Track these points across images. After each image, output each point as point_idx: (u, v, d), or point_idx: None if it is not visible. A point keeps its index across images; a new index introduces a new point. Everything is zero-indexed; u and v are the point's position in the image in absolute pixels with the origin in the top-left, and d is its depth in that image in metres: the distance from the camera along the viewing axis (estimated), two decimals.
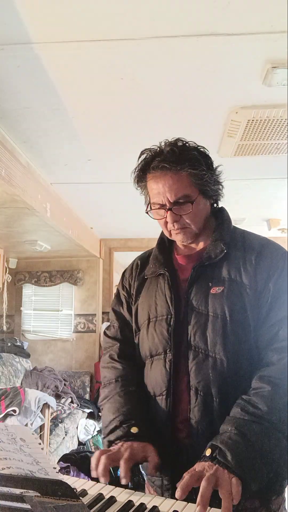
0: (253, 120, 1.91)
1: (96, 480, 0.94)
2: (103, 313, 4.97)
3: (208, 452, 0.89)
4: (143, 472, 1.14)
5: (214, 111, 1.91)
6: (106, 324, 4.80)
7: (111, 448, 0.99)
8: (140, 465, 1.06)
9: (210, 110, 1.90)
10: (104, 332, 1.29)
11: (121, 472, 0.91)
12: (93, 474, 0.93)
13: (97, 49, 1.45)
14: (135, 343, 1.19)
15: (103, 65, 1.55)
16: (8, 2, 1.24)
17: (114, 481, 0.93)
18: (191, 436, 1.02)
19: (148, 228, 4.46)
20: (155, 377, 1.09)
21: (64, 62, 1.53)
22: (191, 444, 1.01)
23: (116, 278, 5.22)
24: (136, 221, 4.15)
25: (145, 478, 1.19)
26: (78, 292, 4.92)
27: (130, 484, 0.92)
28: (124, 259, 5.49)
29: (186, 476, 0.85)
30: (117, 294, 1.29)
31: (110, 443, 1.02)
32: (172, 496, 0.83)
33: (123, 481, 0.89)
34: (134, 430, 1.00)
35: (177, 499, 0.83)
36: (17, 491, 0.71)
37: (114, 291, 5.14)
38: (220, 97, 1.78)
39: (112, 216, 3.98)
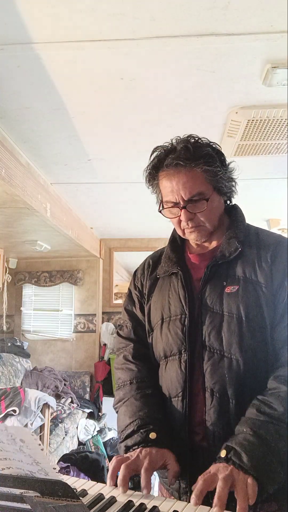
0: (253, 120, 1.91)
1: (96, 481, 0.94)
2: (103, 313, 4.97)
3: (223, 453, 0.88)
4: (156, 475, 1.12)
5: (214, 111, 1.91)
6: (106, 324, 4.81)
7: (128, 454, 0.96)
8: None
9: (210, 110, 1.90)
10: (117, 333, 1.27)
11: (142, 482, 0.89)
12: (109, 483, 0.90)
13: (97, 49, 1.45)
14: (149, 343, 1.16)
15: (103, 65, 1.55)
16: (8, 2, 1.24)
17: None
18: (207, 438, 1.00)
19: (148, 228, 4.46)
20: (170, 378, 1.07)
21: (64, 62, 1.53)
22: (207, 446, 0.99)
23: (116, 278, 5.23)
24: (136, 221, 4.15)
25: (160, 481, 1.17)
26: (78, 292, 4.92)
27: (130, 484, 0.91)
28: (124, 259, 5.50)
29: (200, 481, 0.84)
30: (129, 294, 1.26)
31: (128, 449, 0.99)
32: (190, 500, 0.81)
33: (145, 492, 0.86)
34: (152, 436, 0.97)
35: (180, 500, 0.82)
36: (17, 491, 0.71)
37: (114, 291, 5.16)
38: (220, 97, 1.78)
39: (112, 216, 3.98)
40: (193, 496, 0.81)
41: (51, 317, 4.98)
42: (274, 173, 2.70)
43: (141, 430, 0.99)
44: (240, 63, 1.53)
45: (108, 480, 0.91)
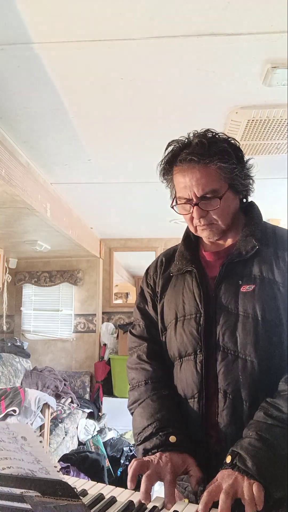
0: (253, 120, 1.91)
1: (96, 481, 0.93)
2: (103, 313, 4.97)
3: (228, 459, 0.87)
4: None
5: (214, 111, 1.91)
6: (106, 324, 4.80)
7: (148, 458, 0.93)
8: None
9: (210, 110, 1.90)
10: (130, 331, 1.23)
11: (166, 496, 0.85)
12: (130, 485, 0.88)
13: (97, 49, 1.45)
14: (162, 342, 1.13)
15: (103, 65, 1.55)
16: (8, 2, 1.24)
17: (114, 481, 0.92)
18: (219, 441, 0.98)
19: (148, 228, 4.46)
20: (186, 379, 1.04)
21: (64, 62, 1.53)
22: (220, 450, 0.97)
23: (116, 278, 5.23)
24: (136, 221, 4.15)
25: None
26: (78, 292, 4.91)
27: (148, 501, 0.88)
28: (124, 259, 5.49)
29: (205, 493, 0.82)
30: (141, 292, 1.23)
31: (147, 452, 0.96)
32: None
33: (169, 507, 0.83)
34: (172, 439, 0.94)
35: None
36: (18, 491, 0.71)
37: (114, 291, 5.16)
38: (220, 97, 1.78)
39: (112, 216, 3.98)
40: (199, 509, 0.80)
41: (51, 317, 4.98)
42: (274, 173, 2.70)
43: (160, 433, 0.96)
44: (240, 63, 1.53)
45: (128, 483, 0.88)
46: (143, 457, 0.94)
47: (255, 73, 1.60)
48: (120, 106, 1.86)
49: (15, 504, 0.72)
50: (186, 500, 0.87)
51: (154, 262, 1.25)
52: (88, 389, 4.59)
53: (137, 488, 0.88)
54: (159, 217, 3.78)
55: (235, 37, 1.39)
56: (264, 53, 1.47)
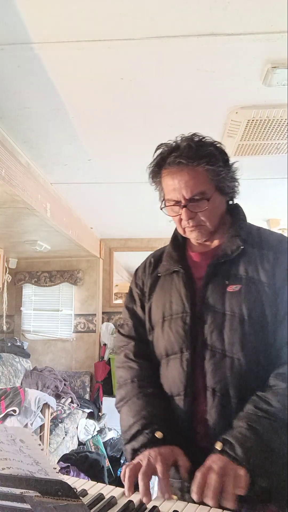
0: (253, 120, 1.91)
1: (96, 481, 0.93)
2: (103, 313, 4.97)
3: (218, 445, 0.89)
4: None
5: (214, 111, 1.90)
6: (106, 324, 4.80)
7: (138, 460, 0.93)
8: None
9: (210, 110, 1.90)
10: (118, 331, 1.26)
11: (163, 487, 0.86)
12: (128, 494, 0.87)
13: (97, 49, 1.45)
14: (149, 342, 1.16)
15: (103, 65, 1.55)
16: (8, 2, 1.24)
17: (114, 481, 0.92)
18: (209, 437, 0.99)
19: (148, 228, 4.46)
20: (172, 376, 1.06)
21: (64, 62, 1.53)
22: (208, 446, 0.98)
23: (116, 278, 5.23)
24: (136, 221, 4.15)
25: None
26: (78, 292, 4.91)
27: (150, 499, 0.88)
28: (124, 259, 5.50)
29: (197, 475, 0.84)
30: (130, 292, 1.26)
31: (135, 451, 0.97)
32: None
33: (166, 496, 0.85)
34: (158, 435, 0.96)
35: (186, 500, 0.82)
36: (17, 491, 0.71)
37: (114, 291, 5.16)
38: (220, 97, 1.78)
39: (112, 216, 3.98)
40: (194, 491, 0.81)
41: (51, 317, 4.98)
42: (274, 173, 2.70)
43: (146, 431, 0.98)
44: (240, 63, 1.53)
45: (126, 492, 0.87)
46: (132, 461, 0.94)
47: (255, 73, 1.60)
48: (120, 106, 1.86)
49: (15, 504, 0.72)
50: (175, 497, 0.88)
51: (143, 263, 1.28)
52: (88, 389, 4.59)
53: (138, 488, 0.88)
54: (159, 217, 3.77)
55: (235, 37, 1.39)
56: (264, 53, 1.47)
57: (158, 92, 1.75)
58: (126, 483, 0.88)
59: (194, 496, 0.81)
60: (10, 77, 1.62)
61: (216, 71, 1.59)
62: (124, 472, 0.90)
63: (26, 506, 0.71)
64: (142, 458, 0.93)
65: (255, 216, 3.79)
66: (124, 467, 0.92)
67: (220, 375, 1.00)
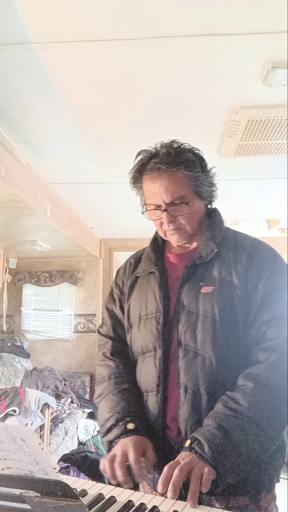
0: (253, 120, 1.91)
1: (96, 481, 0.94)
2: (103, 313, 4.96)
3: (187, 443, 0.94)
4: None
5: (214, 111, 1.90)
6: None
7: (113, 452, 1.00)
8: None
9: (210, 110, 1.90)
10: (98, 330, 1.32)
11: (135, 473, 0.93)
12: (114, 482, 0.94)
13: (97, 49, 1.45)
14: (127, 340, 1.21)
15: (103, 65, 1.55)
16: (8, 2, 1.24)
17: None
18: (180, 433, 1.04)
19: (148, 228, 4.45)
20: (146, 374, 1.11)
21: (64, 62, 1.53)
22: (180, 441, 1.03)
23: None
24: (136, 221, 4.15)
25: None
26: (78, 292, 4.92)
27: (130, 484, 0.93)
28: (124, 259, 5.49)
29: (165, 468, 0.88)
30: (111, 292, 1.32)
31: (110, 443, 1.04)
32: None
33: (139, 480, 0.93)
34: (130, 426, 1.02)
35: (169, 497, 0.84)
36: (17, 491, 0.71)
37: None
38: (220, 97, 1.78)
39: (112, 216, 3.98)
40: (159, 484, 0.86)
41: (51, 317, 4.98)
42: (274, 173, 2.70)
43: (120, 423, 1.04)
44: (240, 63, 1.53)
45: (112, 481, 0.94)
46: (109, 453, 1.01)
47: (255, 73, 1.60)
48: (120, 106, 1.86)
49: (15, 504, 0.72)
50: (156, 493, 0.92)
51: (124, 264, 1.34)
52: (88, 389, 4.59)
53: (137, 488, 0.90)
54: None
55: (235, 37, 1.39)
56: (264, 53, 1.47)
57: (158, 92, 1.75)
58: (107, 474, 0.95)
59: (159, 487, 0.85)
60: (10, 77, 1.62)
61: (216, 71, 1.59)
62: (103, 465, 0.97)
63: (26, 506, 0.71)
64: (116, 448, 0.99)
65: (255, 216, 3.79)
66: (101, 460, 0.99)
67: (192, 373, 1.04)
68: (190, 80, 1.66)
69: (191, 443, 0.92)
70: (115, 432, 1.04)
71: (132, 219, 4.06)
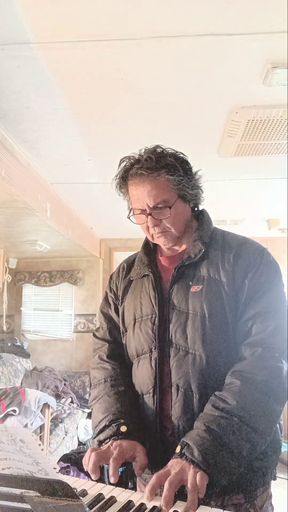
0: (253, 120, 1.91)
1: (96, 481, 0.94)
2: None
3: (178, 449, 0.93)
4: None
5: (214, 111, 1.90)
6: None
7: (101, 447, 1.01)
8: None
9: (210, 110, 1.90)
10: (93, 334, 1.34)
11: (110, 470, 0.94)
12: (94, 476, 0.95)
13: (97, 49, 1.45)
14: (123, 343, 1.22)
15: (103, 65, 1.55)
16: (8, 2, 1.24)
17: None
18: (173, 432, 1.04)
19: None
20: (142, 375, 1.12)
21: (64, 62, 1.53)
22: (174, 440, 1.03)
23: None
24: None
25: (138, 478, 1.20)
26: (78, 292, 4.91)
27: (130, 484, 0.93)
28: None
29: (154, 476, 0.88)
30: (105, 297, 1.34)
31: (100, 443, 1.04)
32: (161, 493, 0.86)
33: (112, 480, 0.91)
34: (123, 428, 1.02)
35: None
36: (17, 491, 0.71)
37: None
38: (220, 97, 1.78)
39: (112, 216, 3.97)
40: (145, 490, 0.85)
41: (51, 317, 4.98)
42: (274, 173, 2.70)
43: (113, 424, 1.03)
44: (240, 63, 1.53)
45: (92, 475, 0.94)
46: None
47: (255, 73, 1.60)
48: (120, 106, 1.86)
49: (15, 504, 0.72)
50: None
51: (117, 268, 1.35)
52: (88, 389, 4.59)
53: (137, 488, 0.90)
54: None
55: (235, 37, 1.39)
56: (264, 53, 1.47)
57: (158, 92, 1.75)
58: (89, 466, 0.95)
59: (145, 495, 0.85)
60: (10, 77, 1.62)
61: (216, 71, 1.59)
62: (87, 455, 0.98)
63: (26, 506, 0.71)
64: (105, 446, 1.00)
65: (255, 216, 3.79)
66: (88, 450, 0.99)
67: (183, 371, 1.05)
68: (190, 80, 1.66)
69: (181, 449, 0.92)
70: (107, 433, 1.04)
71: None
